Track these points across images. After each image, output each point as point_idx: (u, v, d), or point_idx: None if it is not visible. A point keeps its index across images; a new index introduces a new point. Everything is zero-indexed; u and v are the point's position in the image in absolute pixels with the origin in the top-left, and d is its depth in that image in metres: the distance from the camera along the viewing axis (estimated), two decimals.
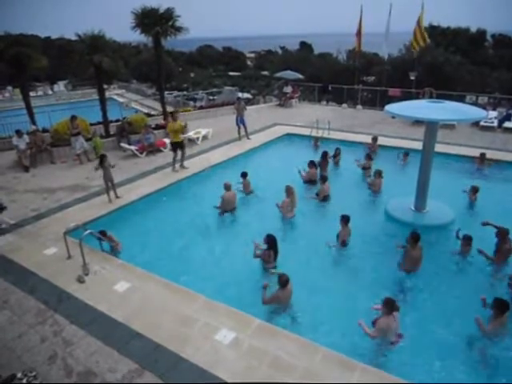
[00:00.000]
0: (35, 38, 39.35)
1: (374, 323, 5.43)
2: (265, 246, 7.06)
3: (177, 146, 11.91)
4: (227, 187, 9.34)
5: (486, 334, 5.43)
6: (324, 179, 9.99)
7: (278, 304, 5.97)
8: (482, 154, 12.03)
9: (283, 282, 5.82)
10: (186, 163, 12.28)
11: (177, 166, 12.07)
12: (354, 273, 7.21)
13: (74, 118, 13.29)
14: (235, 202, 9.53)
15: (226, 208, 9.36)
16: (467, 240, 7.36)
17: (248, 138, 15.29)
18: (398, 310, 5.46)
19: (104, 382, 4.70)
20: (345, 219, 7.78)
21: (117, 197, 9.96)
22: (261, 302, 5.95)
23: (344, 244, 7.79)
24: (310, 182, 11.03)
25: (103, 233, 7.60)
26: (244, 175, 10.49)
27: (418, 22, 19.94)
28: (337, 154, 12.78)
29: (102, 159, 9.59)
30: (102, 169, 9.57)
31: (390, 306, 5.31)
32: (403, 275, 6.93)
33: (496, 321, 5.38)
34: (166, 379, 4.71)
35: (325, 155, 11.85)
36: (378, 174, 10.54)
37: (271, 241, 7.02)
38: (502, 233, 7.10)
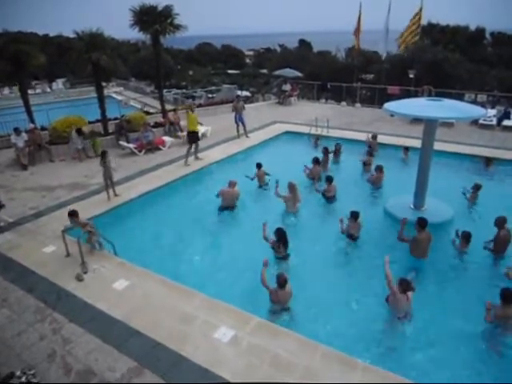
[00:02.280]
0: (34, 35, 39.22)
1: (387, 300, 5.70)
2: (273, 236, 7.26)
3: (193, 137, 12.20)
4: (230, 184, 9.37)
5: (492, 321, 5.42)
6: (330, 180, 9.85)
7: (275, 302, 5.89)
8: (487, 159, 11.96)
9: (281, 282, 5.69)
10: (184, 162, 12.29)
11: (190, 158, 12.15)
12: (353, 269, 7.25)
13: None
14: (234, 200, 9.48)
15: (224, 204, 9.37)
16: (466, 237, 7.39)
17: (247, 136, 15.26)
18: (413, 290, 5.67)
19: (103, 380, 4.69)
20: (354, 215, 7.91)
21: (115, 195, 9.93)
22: (261, 300, 5.94)
23: (353, 238, 7.93)
24: (313, 179, 10.77)
25: (74, 213, 7.37)
26: (259, 166, 10.66)
27: (415, 19, 19.96)
28: (337, 150, 12.78)
29: (103, 156, 9.58)
30: (103, 165, 9.55)
31: (404, 286, 5.54)
32: (404, 270, 6.94)
33: (503, 310, 5.35)
34: (167, 378, 4.69)
35: (325, 152, 11.88)
36: (379, 169, 10.56)
37: (280, 234, 7.20)
38: (500, 221, 7.30)
